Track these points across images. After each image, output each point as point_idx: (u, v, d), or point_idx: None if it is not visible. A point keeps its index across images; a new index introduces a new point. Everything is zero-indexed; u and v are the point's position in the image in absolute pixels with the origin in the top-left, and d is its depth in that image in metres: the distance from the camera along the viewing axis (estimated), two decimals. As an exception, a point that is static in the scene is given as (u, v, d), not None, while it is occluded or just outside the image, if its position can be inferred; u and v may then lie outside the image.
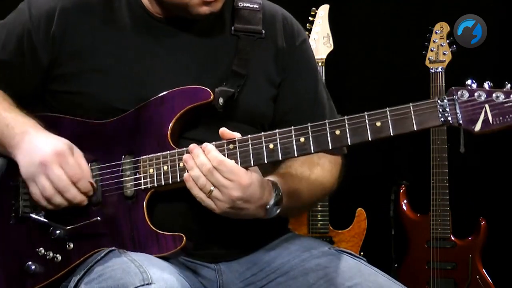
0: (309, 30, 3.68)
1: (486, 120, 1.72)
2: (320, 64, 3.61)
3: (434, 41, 3.67)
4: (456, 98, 1.73)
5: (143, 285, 1.69)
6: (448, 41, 3.65)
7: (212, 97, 1.92)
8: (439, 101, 1.74)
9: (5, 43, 2.03)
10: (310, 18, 3.70)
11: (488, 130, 1.72)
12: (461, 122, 1.73)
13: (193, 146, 1.84)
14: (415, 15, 4.06)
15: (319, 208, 3.64)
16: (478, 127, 1.72)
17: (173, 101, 1.93)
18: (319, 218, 3.68)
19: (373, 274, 1.89)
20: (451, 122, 1.74)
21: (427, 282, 3.66)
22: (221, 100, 1.94)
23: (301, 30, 2.18)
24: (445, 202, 3.61)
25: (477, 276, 3.60)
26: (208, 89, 1.92)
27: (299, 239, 2.07)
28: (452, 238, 3.65)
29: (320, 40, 3.65)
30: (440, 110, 1.74)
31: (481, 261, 3.62)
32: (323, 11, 3.71)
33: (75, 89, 1.98)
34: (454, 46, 3.62)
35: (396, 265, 3.76)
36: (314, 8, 3.72)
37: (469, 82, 1.75)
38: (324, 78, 3.50)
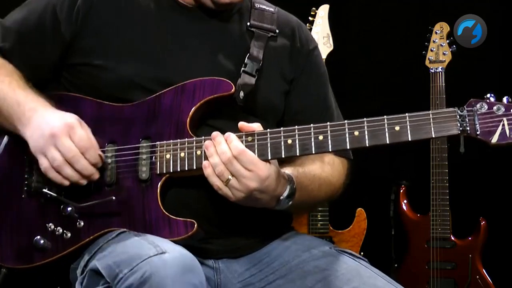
0: (309, 30, 3.67)
1: (503, 132, 1.75)
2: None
3: (434, 41, 3.67)
4: (476, 109, 1.77)
5: (156, 254, 1.71)
6: (448, 41, 3.65)
7: (233, 89, 1.95)
8: (458, 110, 1.77)
9: (25, 19, 2.04)
10: (310, 18, 3.70)
11: (504, 143, 1.76)
12: (478, 132, 1.76)
13: (215, 134, 1.86)
14: (415, 15, 4.07)
15: (319, 208, 3.64)
16: (495, 139, 1.76)
17: (195, 91, 1.95)
18: (319, 218, 3.68)
19: (372, 277, 1.89)
20: (468, 132, 1.77)
21: (427, 282, 3.66)
22: (241, 94, 1.97)
23: (314, 38, 2.24)
24: (445, 202, 3.61)
25: (477, 276, 3.60)
26: (230, 82, 1.95)
27: (300, 238, 2.08)
28: (452, 238, 3.65)
29: (320, 40, 3.64)
30: (459, 119, 1.77)
31: (481, 261, 3.63)
32: (323, 11, 3.71)
33: (96, 62, 2.00)
34: (454, 46, 3.62)
35: (396, 265, 3.76)
36: (314, 8, 3.72)
37: (488, 95, 1.78)
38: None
